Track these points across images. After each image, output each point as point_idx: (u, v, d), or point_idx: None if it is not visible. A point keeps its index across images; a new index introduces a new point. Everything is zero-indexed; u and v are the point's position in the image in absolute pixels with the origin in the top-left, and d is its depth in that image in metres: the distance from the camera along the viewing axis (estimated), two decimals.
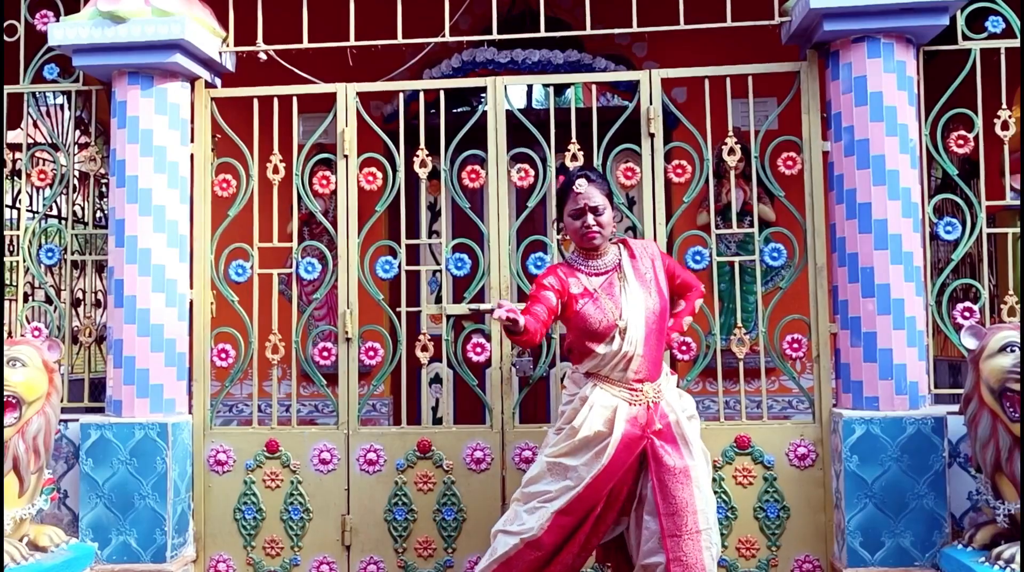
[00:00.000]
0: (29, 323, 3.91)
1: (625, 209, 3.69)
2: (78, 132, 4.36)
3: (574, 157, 3.65)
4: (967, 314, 3.44)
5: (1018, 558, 2.85)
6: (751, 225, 3.68)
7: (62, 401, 3.48)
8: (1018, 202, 3.62)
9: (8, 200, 5.22)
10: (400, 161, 3.72)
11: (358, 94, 3.77)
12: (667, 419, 2.84)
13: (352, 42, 3.76)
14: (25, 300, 4.20)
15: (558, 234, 3.11)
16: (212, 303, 3.78)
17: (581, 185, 2.88)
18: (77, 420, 3.61)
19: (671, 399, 2.89)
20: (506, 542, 2.83)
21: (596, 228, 2.88)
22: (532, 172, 3.66)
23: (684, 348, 3.56)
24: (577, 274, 2.93)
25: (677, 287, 3.08)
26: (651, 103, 3.65)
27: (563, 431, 2.89)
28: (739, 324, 3.61)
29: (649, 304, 2.87)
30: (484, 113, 3.74)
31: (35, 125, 4.08)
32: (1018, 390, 2.89)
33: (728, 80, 3.64)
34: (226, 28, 3.81)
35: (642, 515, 2.82)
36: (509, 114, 3.72)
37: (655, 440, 2.81)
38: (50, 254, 3.94)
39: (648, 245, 3.04)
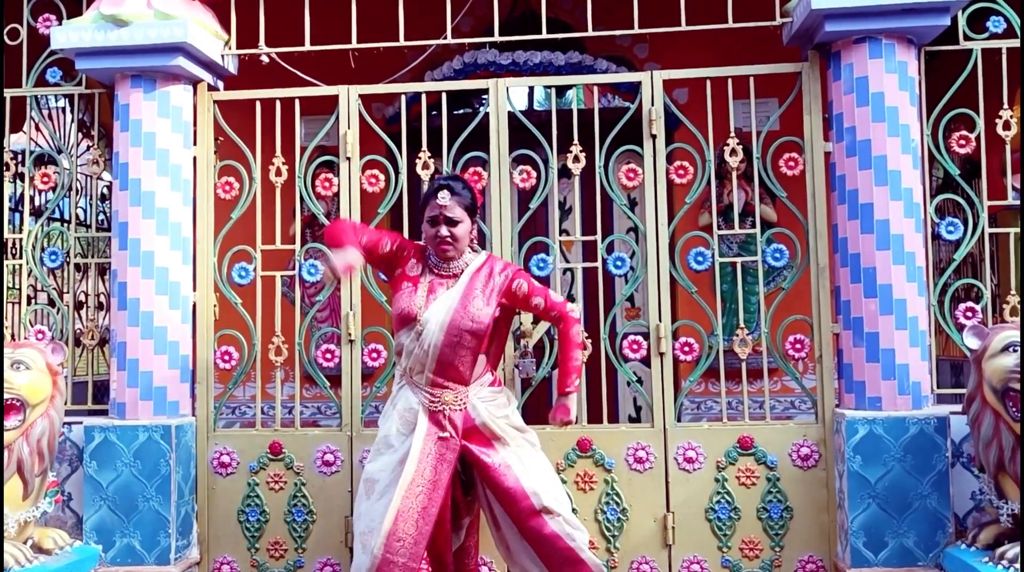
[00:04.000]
0: (32, 326, 3.92)
1: (627, 210, 3.70)
2: (80, 135, 4.37)
3: (576, 158, 3.66)
4: (969, 314, 3.44)
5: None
6: (753, 226, 3.69)
7: (65, 404, 3.48)
8: (1019, 202, 3.62)
9: (11, 203, 5.23)
10: (402, 163, 3.73)
11: (360, 96, 3.77)
12: (472, 422, 2.92)
13: (354, 44, 3.77)
14: (28, 303, 4.21)
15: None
16: (215, 305, 3.78)
17: (444, 197, 2.92)
18: (81, 423, 3.62)
19: (478, 404, 2.94)
20: None
21: (449, 240, 2.93)
22: (534, 173, 3.66)
23: (687, 349, 3.56)
24: (425, 263, 3.01)
25: (533, 309, 3.05)
26: (653, 104, 3.65)
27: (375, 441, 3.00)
28: (741, 325, 3.61)
29: (461, 315, 2.88)
30: (486, 115, 3.74)
31: (38, 128, 4.08)
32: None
33: (730, 81, 3.65)
34: (228, 31, 3.82)
35: (502, 536, 2.99)
36: (511, 116, 3.72)
37: (469, 445, 2.91)
38: (53, 257, 3.94)
39: (508, 270, 3.03)
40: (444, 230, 2.91)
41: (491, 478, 2.90)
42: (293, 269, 3.80)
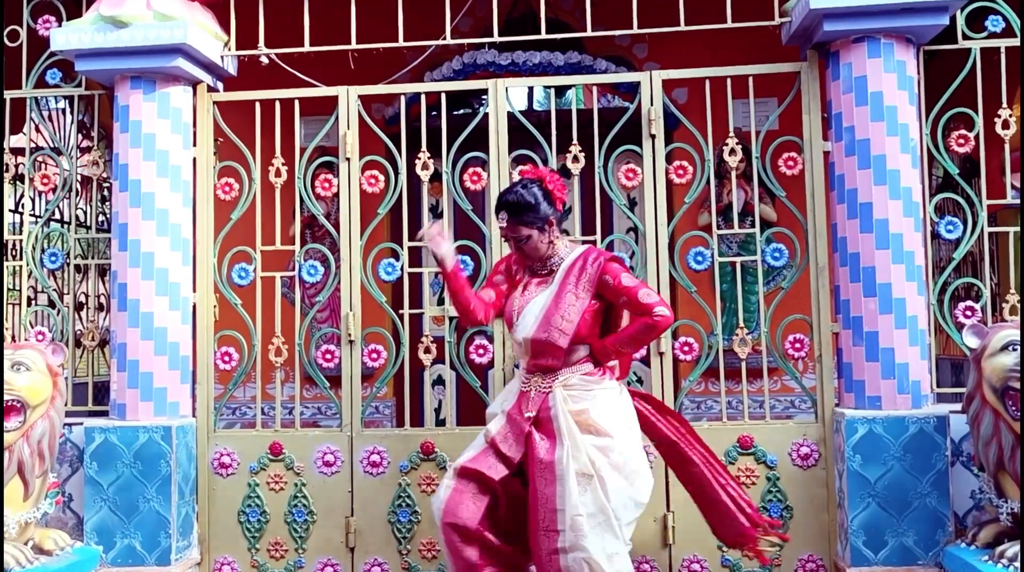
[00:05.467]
0: (33, 327, 3.92)
1: (626, 210, 3.70)
2: (80, 136, 4.37)
3: (575, 158, 3.66)
4: (969, 313, 3.44)
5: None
6: (752, 225, 3.69)
7: (66, 405, 3.49)
8: (1019, 201, 3.62)
9: (11, 204, 5.24)
10: (402, 163, 3.73)
11: (360, 97, 3.78)
12: (548, 412, 2.85)
13: (353, 45, 3.77)
14: (28, 304, 4.21)
15: None
16: (215, 306, 3.78)
17: (502, 219, 2.92)
18: (81, 424, 3.62)
19: (558, 392, 2.86)
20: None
21: (525, 252, 2.96)
22: None
23: (686, 349, 3.57)
24: (525, 267, 3.06)
25: (623, 305, 2.94)
26: (652, 104, 3.65)
27: None
28: (741, 324, 3.61)
29: (552, 313, 2.86)
30: (485, 115, 3.75)
31: (37, 129, 4.08)
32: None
33: (729, 81, 3.65)
34: (228, 32, 3.82)
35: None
36: (510, 116, 3.72)
37: (534, 431, 2.86)
38: (53, 258, 3.95)
39: (601, 259, 2.91)
40: (514, 246, 2.97)
41: (534, 473, 2.79)
42: (293, 270, 3.80)
